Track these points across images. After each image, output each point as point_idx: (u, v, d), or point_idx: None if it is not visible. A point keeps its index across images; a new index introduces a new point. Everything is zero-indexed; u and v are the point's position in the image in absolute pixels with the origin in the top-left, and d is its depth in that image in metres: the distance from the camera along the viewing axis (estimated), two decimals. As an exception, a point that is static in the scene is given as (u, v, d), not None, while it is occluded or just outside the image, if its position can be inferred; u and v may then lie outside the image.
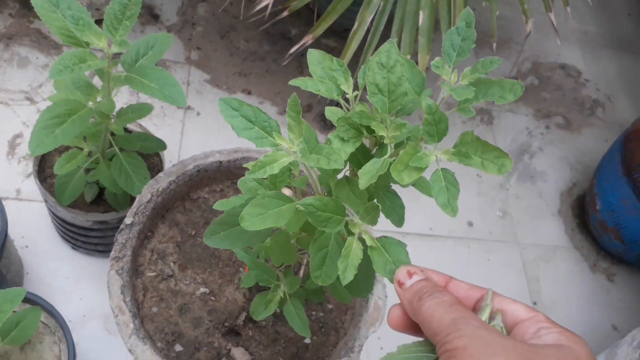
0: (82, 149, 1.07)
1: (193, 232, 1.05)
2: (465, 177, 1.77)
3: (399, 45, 1.20)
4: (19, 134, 1.48)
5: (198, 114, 1.67)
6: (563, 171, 1.92)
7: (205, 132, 1.63)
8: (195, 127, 1.63)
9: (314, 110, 1.78)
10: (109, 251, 1.31)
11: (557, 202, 1.84)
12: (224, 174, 1.10)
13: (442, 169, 0.52)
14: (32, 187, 1.40)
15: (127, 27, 0.90)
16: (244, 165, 0.70)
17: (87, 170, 1.14)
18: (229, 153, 1.08)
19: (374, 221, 0.55)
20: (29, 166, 1.43)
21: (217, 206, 0.69)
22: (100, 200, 1.21)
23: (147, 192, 0.98)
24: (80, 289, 1.28)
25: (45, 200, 1.18)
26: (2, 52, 1.60)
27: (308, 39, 1.17)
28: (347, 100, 0.61)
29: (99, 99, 0.97)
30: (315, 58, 0.63)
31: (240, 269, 1.01)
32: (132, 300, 0.90)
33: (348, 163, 0.59)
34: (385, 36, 1.26)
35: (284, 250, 0.74)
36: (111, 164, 1.09)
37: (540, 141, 1.97)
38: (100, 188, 1.21)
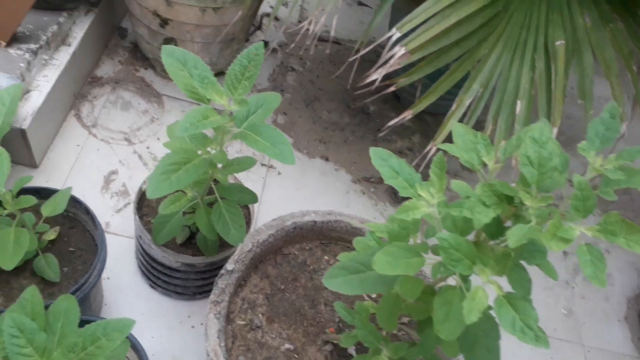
0: (186, 194, 1.13)
1: (282, 287, 1.07)
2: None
3: (494, 132, 1.25)
4: (114, 171, 1.57)
5: (279, 173, 1.73)
6: (630, 277, 1.88)
7: (284, 191, 1.69)
8: (275, 185, 1.69)
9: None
10: (186, 294, 1.35)
11: (623, 308, 1.79)
12: (315, 234, 1.14)
13: (587, 244, 0.55)
14: (120, 222, 1.46)
15: (246, 87, 0.97)
16: (366, 225, 0.74)
17: (184, 214, 1.20)
18: (323, 214, 1.12)
19: (503, 271, 0.58)
20: (120, 202, 1.50)
21: (340, 257, 0.72)
22: (189, 243, 1.26)
23: (249, 242, 1.03)
24: (153, 327, 1.31)
25: (140, 237, 1.24)
26: (109, 95, 1.74)
27: (408, 114, 1.23)
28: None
29: (210, 149, 1.04)
30: (459, 131, 0.68)
31: (326, 330, 1.03)
32: (225, 346, 0.92)
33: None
34: (480, 121, 1.31)
35: (391, 314, 0.75)
36: (211, 210, 1.15)
37: (607, 242, 1.94)
38: (191, 232, 1.26)
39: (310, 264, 1.12)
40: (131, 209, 1.51)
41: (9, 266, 0.91)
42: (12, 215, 1.03)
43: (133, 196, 1.54)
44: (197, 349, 1.30)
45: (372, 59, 1.56)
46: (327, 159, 1.84)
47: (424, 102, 1.24)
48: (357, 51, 1.32)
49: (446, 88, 1.25)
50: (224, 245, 1.25)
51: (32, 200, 0.98)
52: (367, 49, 1.29)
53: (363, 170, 1.84)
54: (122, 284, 1.36)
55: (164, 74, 1.83)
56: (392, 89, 1.23)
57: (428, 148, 1.26)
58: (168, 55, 0.94)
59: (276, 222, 1.08)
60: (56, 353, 0.78)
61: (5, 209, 0.96)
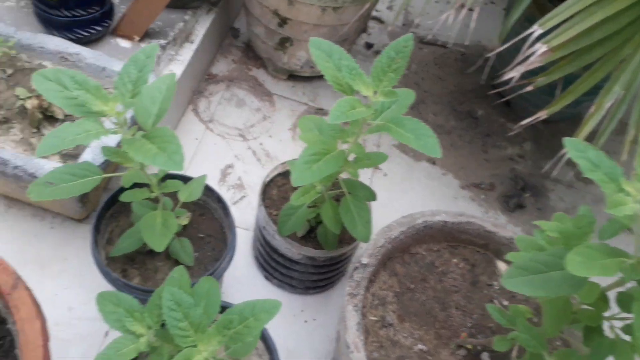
0: (315, 186, 1.14)
1: (411, 286, 1.05)
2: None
3: (637, 137, 1.17)
4: (230, 165, 1.61)
5: (385, 174, 1.72)
6: None
7: (390, 193, 1.67)
8: (381, 186, 1.67)
9: (496, 189, 1.76)
10: (299, 288, 1.36)
11: None
12: (444, 235, 1.11)
13: None
14: (236, 214, 1.49)
15: (391, 79, 0.96)
16: (535, 223, 0.70)
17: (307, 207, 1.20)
18: (454, 215, 1.09)
19: None
20: (236, 195, 1.54)
21: (509, 257, 0.69)
22: (307, 237, 1.26)
23: (382, 238, 1.01)
24: (267, 319, 1.32)
25: (263, 227, 1.26)
26: (224, 92, 1.79)
27: (542, 114, 1.18)
28: None
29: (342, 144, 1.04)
30: None
31: (459, 334, 0.99)
32: (363, 339, 0.91)
33: None
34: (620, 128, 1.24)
35: (559, 319, 0.71)
36: (336, 204, 1.15)
37: None
38: (310, 226, 1.26)
39: (439, 266, 1.09)
40: (246, 201, 1.55)
41: (159, 247, 0.95)
42: (154, 200, 1.07)
43: (248, 190, 1.57)
44: (310, 343, 1.30)
45: (477, 62, 1.52)
46: (433, 163, 1.80)
47: (561, 103, 1.18)
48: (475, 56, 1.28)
49: (585, 89, 1.19)
50: (341, 242, 1.25)
51: (178, 184, 1.01)
52: (497, 51, 1.26)
53: (472, 176, 1.79)
54: (239, 274, 1.39)
55: (275, 74, 1.86)
56: (529, 88, 1.18)
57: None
58: (315, 47, 0.95)
59: (407, 220, 1.06)
60: (210, 329, 0.80)
61: (152, 192, 1.00)
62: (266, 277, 1.39)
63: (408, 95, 1.09)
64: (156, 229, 0.96)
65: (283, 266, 1.31)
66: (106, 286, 1.32)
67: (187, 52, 1.59)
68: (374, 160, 1.14)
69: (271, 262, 1.33)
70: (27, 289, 0.87)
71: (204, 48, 1.69)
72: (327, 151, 1.00)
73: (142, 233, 0.95)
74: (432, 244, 1.11)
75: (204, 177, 1.13)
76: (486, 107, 1.99)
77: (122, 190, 1.13)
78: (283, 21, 1.59)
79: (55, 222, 1.39)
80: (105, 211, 1.12)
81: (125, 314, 0.82)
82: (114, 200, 1.13)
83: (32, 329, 0.82)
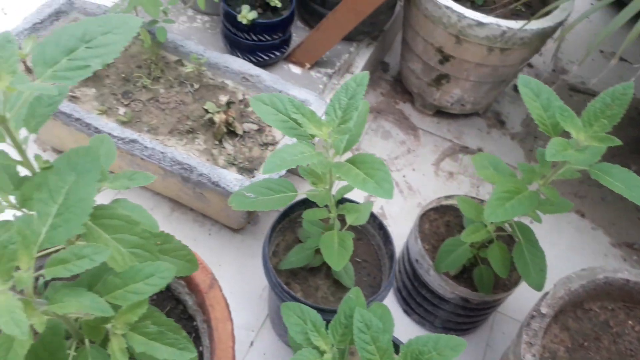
0: (485, 226, 1.12)
1: (585, 344, 1.00)
2: None
3: None
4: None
5: (531, 222, 1.66)
6: None
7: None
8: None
9: (653, 253, 1.64)
10: (439, 327, 1.33)
11: None
12: (622, 294, 1.05)
13: None
14: (380, 243, 1.51)
15: (604, 126, 0.92)
16: None
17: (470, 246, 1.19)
18: (637, 274, 1.03)
19: None
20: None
21: None
22: (460, 277, 1.24)
23: (561, 289, 0.98)
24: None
25: (416, 260, 1.26)
26: (371, 122, 1.83)
27: None
28: None
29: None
30: None
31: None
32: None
33: None
34: None
35: None
36: (505, 247, 1.12)
37: None
38: (463, 266, 1.24)
39: (613, 326, 1.03)
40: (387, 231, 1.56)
41: (337, 267, 0.98)
42: (324, 220, 1.11)
43: (390, 220, 1.58)
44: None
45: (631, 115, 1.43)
46: (582, 215, 1.71)
47: None
48: None
49: None
50: (496, 287, 1.22)
51: (356, 208, 1.04)
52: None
53: (624, 234, 1.68)
54: (381, 304, 1.39)
55: (421, 109, 1.88)
56: None
57: None
58: (524, 85, 0.95)
59: (586, 273, 1.02)
60: (397, 357, 0.81)
61: (330, 212, 1.04)
62: (405, 311, 1.38)
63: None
64: (334, 249, 0.99)
65: (429, 303, 1.29)
66: (254, 294, 1.38)
67: (347, 82, 1.66)
68: (560, 207, 1.10)
69: (416, 297, 1.32)
70: (221, 290, 0.93)
71: (360, 79, 1.74)
72: (517, 190, 0.99)
73: (322, 251, 0.99)
74: (608, 301, 1.05)
75: (371, 204, 1.15)
76: (641, 163, 1.87)
77: (291, 207, 1.19)
78: (445, 59, 1.61)
79: (213, 230, 1.48)
80: (276, 225, 1.18)
81: (312, 328, 0.85)
82: (284, 215, 1.19)
83: (224, 329, 0.87)
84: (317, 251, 1.14)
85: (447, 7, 1.46)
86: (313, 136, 0.85)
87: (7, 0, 1.94)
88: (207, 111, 1.31)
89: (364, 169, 0.79)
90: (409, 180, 1.70)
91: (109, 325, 0.56)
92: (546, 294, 1.01)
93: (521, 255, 1.08)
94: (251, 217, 1.44)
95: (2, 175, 0.65)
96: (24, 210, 0.58)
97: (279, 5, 1.42)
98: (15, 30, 1.39)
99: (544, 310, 0.94)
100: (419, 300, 1.32)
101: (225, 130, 1.30)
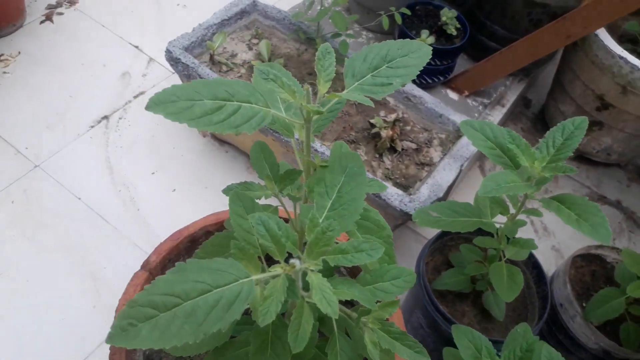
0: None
1: None
2: None
3: None
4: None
5: None
6: None
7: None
8: None
9: None
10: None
11: None
12: None
13: None
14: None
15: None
16: None
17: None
18: None
19: None
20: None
21: None
22: (602, 328, 1.22)
23: None
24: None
25: (560, 305, 1.25)
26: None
27: None
28: None
29: None
30: None
31: None
32: None
33: None
34: None
35: None
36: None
37: None
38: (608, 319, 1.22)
39: None
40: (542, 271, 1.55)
41: (507, 298, 1.00)
42: (483, 249, 1.14)
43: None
44: None
45: None
46: None
47: None
48: None
49: None
50: (640, 345, 1.19)
51: (528, 244, 1.06)
52: None
53: None
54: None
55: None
56: None
57: None
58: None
59: None
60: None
61: (500, 244, 1.06)
62: (537, 352, 1.37)
63: None
64: (504, 280, 1.02)
65: (564, 348, 1.28)
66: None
67: (497, 114, 1.67)
68: None
69: (550, 340, 1.32)
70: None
71: (508, 112, 1.75)
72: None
73: (492, 281, 1.01)
74: None
75: (532, 240, 1.16)
76: None
77: (449, 232, 1.22)
78: (604, 106, 1.59)
79: (348, 235, 1.54)
80: (431, 245, 1.21)
81: (487, 355, 0.88)
82: (439, 237, 1.23)
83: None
84: (471, 278, 1.17)
85: (621, 58, 1.45)
86: (519, 166, 0.88)
87: (184, -7, 2.12)
88: (373, 125, 1.38)
89: (576, 210, 0.81)
90: (545, 221, 1.69)
91: (364, 319, 0.62)
92: None
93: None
94: (393, 234, 1.48)
95: (263, 164, 0.73)
96: (308, 200, 0.64)
97: (454, 33, 1.46)
98: (205, 24, 1.52)
99: None
100: (552, 344, 1.31)
101: (388, 145, 1.36)
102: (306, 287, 0.56)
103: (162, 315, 0.48)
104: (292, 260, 0.52)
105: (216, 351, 0.71)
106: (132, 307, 0.47)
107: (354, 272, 1.02)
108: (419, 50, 0.62)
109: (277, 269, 0.52)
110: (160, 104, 0.48)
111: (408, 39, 0.63)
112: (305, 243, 0.56)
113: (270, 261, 0.58)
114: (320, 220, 0.61)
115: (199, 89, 0.51)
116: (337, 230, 0.55)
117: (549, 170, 0.84)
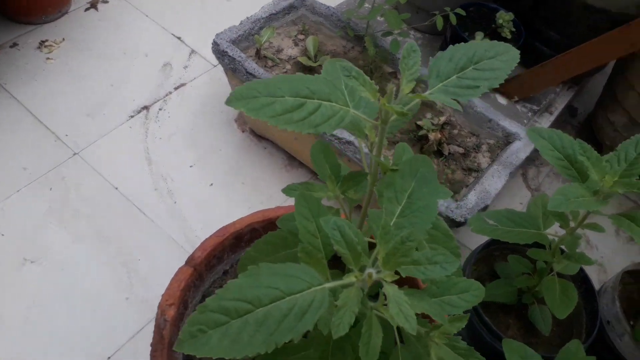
0: None
1: None
2: None
3: None
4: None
5: None
6: None
7: None
8: None
9: None
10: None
11: None
12: None
13: None
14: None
15: None
16: None
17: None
18: None
19: None
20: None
21: None
22: (652, 351, 1.17)
23: None
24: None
25: (608, 322, 1.20)
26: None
27: None
28: None
29: None
30: None
31: None
32: None
33: None
34: None
35: None
36: None
37: None
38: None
39: None
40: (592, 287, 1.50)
41: (560, 315, 0.96)
42: (531, 260, 1.09)
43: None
44: None
45: None
46: None
47: None
48: None
49: None
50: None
51: (583, 259, 1.01)
52: None
53: None
54: None
55: (608, 162, 1.80)
56: None
57: None
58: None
59: None
60: None
61: (553, 257, 1.02)
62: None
63: None
64: (556, 295, 0.98)
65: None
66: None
67: (545, 122, 1.62)
68: None
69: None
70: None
71: (557, 120, 1.70)
72: None
73: (545, 296, 0.97)
74: None
75: (582, 254, 1.12)
76: None
77: (496, 240, 1.18)
78: (659, 118, 1.53)
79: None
80: (478, 254, 1.18)
81: (542, 372, 0.84)
82: (487, 246, 1.19)
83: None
84: (518, 290, 1.13)
85: (683, 68, 1.39)
86: (587, 179, 0.84)
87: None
88: (420, 127, 1.34)
89: (647, 227, 0.77)
90: (588, 234, 1.63)
91: (431, 333, 0.59)
92: None
93: None
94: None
95: (324, 164, 0.70)
96: (378, 204, 0.61)
97: (509, 37, 1.41)
98: (253, 17, 1.50)
99: None
100: (594, 363, 1.26)
101: (435, 148, 1.32)
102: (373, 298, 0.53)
103: (233, 322, 0.45)
104: (368, 270, 0.49)
105: (267, 356, 0.68)
106: (202, 312, 0.45)
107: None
108: (507, 52, 0.58)
109: (351, 278, 0.49)
110: (241, 99, 0.46)
111: (495, 41, 0.59)
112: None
113: (335, 267, 0.55)
114: (391, 227, 0.58)
115: (281, 84, 0.48)
116: (417, 240, 0.52)
117: (622, 186, 0.79)
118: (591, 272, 1.56)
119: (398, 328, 0.61)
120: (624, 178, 0.81)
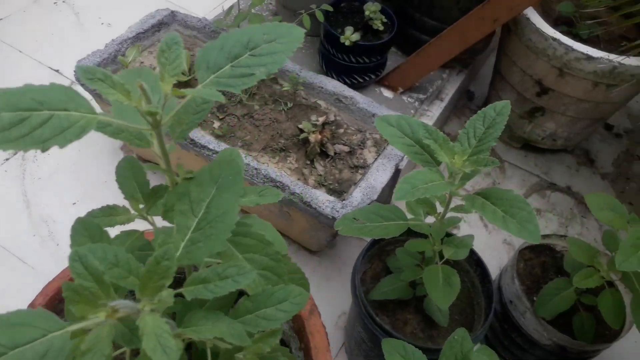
0: (598, 271, 1.04)
1: None
2: None
3: None
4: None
5: None
6: None
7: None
8: None
9: None
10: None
11: None
12: None
13: None
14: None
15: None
16: None
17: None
18: None
19: None
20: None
21: None
22: (554, 322, 1.15)
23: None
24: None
25: (510, 302, 1.18)
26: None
27: None
28: None
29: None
30: None
31: None
32: None
33: None
34: None
35: None
36: (619, 293, 1.04)
37: None
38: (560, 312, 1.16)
39: None
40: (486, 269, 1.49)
41: (442, 305, 0.92)
42: (421, 252, 1.06)
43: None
44: None
45: None
46: None
47: None
48: None
49: None
50: (595, 336, 1.13)
51: (463, 243, 0.99)
52: None
53: None
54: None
55: (508, 141, 1.81)
56: None
57: None
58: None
59: None
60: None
61: (434, 245, 0.99)
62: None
63: None
64: (439, 285, 0.94)
65: (519, 347, 1.21)
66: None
67: (436, 109, 1.61)
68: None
69: (504, 340, 1.25)
70: (320, 317, 0.89)
71: (448, 107, 1.70)
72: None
73: (427, 287, 0.93)
74: None
75: (471, 236, 1.09)
76: None
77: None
78: (543, 91, 1.55)
79: (290, 250, 1.45)
80: (366, 252, 1.13)
81: (419, 369, 0.80)
82: (375, 242, 1.15)
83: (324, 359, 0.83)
84: (411, 284, 1.09)
85: (554, 39, 1.40)
86: (439, 163, 0.80)
87: (111, 15, 2.02)
88: (301, 130, 1.30)
89: (502, 206, 0.74)
90: (494, 215, 1.63)
91: (240, 354, 0.53)
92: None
93: (638, 305, 0.99)
94: (335, 241, 1.40)
95: (131, 183, 0.63)
96: (166, 221, 0.56)
97: (381, 28, 1.39)
98: (119, 39, 1.43)
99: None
100: (506, 343, 1.24)
101: (318, 150, 1.28)
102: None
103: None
104: (116, 302, 0.43)
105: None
106: None
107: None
108: (289, 34, 0.53)
109: (100, 315, 0.43)
110: None
111: (277, 23, 0.54)
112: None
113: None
114: (182, 245, 0.52)
115: (-7, 99, 0.41)
116: (197, 255, 0.46)
117: (470, 165, 0.77)
118: (501, 251, 1.56)
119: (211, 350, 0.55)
120: (474, 155, 0.78)
